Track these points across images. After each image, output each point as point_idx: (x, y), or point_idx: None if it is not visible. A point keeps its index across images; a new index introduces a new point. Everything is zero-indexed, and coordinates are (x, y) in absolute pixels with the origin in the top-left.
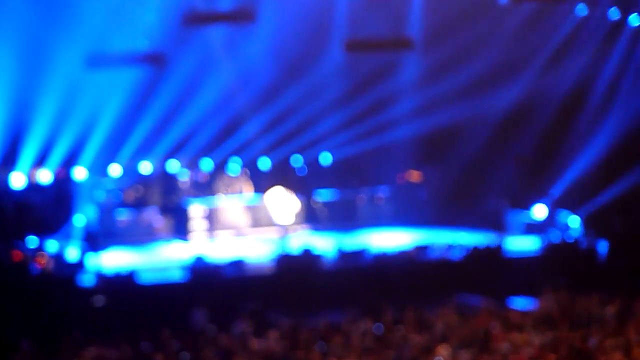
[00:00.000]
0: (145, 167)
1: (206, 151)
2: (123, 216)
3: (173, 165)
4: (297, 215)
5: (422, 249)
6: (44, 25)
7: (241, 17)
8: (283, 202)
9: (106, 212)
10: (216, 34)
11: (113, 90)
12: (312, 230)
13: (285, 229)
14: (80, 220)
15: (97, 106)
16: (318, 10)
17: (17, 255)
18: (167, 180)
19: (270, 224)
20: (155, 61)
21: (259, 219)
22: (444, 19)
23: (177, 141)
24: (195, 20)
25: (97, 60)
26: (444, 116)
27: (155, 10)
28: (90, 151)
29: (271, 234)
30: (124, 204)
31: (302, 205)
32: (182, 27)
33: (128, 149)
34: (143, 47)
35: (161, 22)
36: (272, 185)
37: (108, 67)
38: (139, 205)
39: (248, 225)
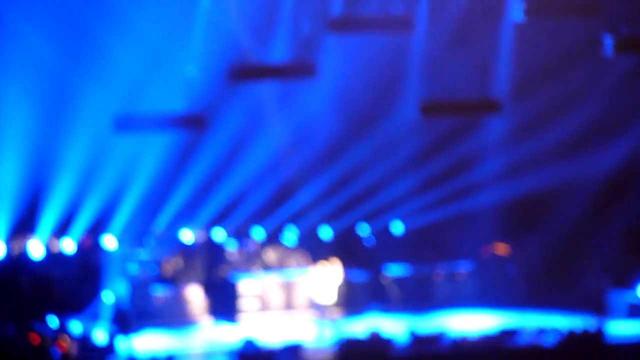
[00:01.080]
0: (186, 236)
1: (257, 218)
2: (159, 293)
3: (218, 234)
4: (339, 296)
5: (509, 334)
6: (70, 79)
7: (299, 71)
8: (327, 280)
9: (140, 288)
10: (266, 89)
11: (147, 152)
12: (380, 311)
13: (326, 311)
14: (109, 297)
15: (128, 168)
16: (388, 65)
17: (34, 338)
18: (211, 251)
19: (328, 303)
20: (195, 123)
21: (317, 298)
22: (534, 72)
23: (223, 207)
24: (243, 75)
25: (126, 123)
26: (535, 180)
27: (195, 65)
28: (122, 218)
29: (331, 314)
30: (160, 279)
31: (366, 282)
32: (226, 83)
33: (165, 216)
34: (181, 108)
35: (202, 78)
36: (333, 258)
37: (139, 130)
38: (178, 280)
39: (306, 305)
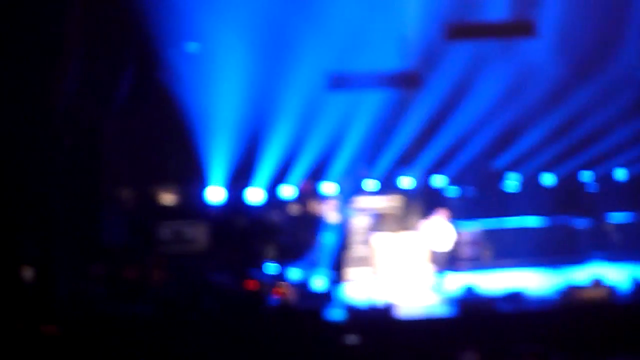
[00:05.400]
0: (405, 182)
1: (477, 166)
2: (375, 240)
3: (438, 181)
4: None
5: None
6: (291, 34)
7: (518, 30)
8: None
9: (356, 235)
10: (482, 45)
11: (363, 105)
12: (603, 259)
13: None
14: (328, 243)
15: (345, 119)
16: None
17: (251, 284)
18: (431, 197)
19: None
20: (410, 81)
21: (540, 246)
22: None
23: (442, 155)
24: (461, 34)
25: (341, 81)
26: None
27: (412, 25)
28: (340, 166)
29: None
30: (377, 226)
31: (589, 229)
32: (442, 41)
33: (384, 164)
34: (396, 67)
35: (418, 36)
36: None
37: (353, 88)
38: (396, 227)
39: (528, 253)
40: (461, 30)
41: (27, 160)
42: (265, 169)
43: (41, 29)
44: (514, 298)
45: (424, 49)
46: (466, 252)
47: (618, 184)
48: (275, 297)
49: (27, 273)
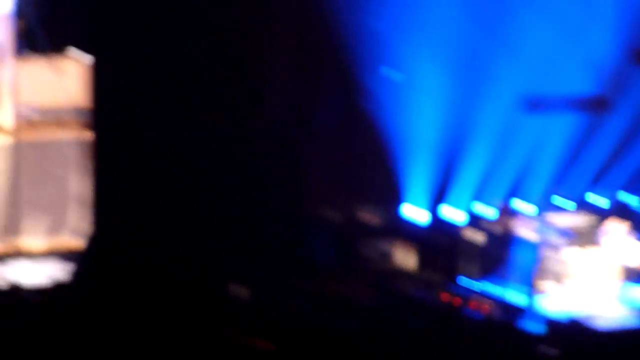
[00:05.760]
0: (597, 200)
1: None
2: (570, 257)
3: (628, 199)
4: None
5: None
6: (486, 55)
7: None
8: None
9: (552, 251)
10: None
11: (555, 128)
12: None
13: None
14: (524, 259)
15: (538, 141)
16: None
17: (450, 298)
18: (621, 213)
19: None
20: (600, 105)
21: None
22: None
23: (630, 174)
24: None
25: (535, 104)
26: None
27: (601, 48)
28: (535, 184)
29: None
30: (570, 242)
31: None
32: (632, 65)
33: (577, 182)
34: (586, 90)
35: (608, 61)
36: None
37: (547, 111)
38: (587, 242)
39: None
40: None
41: (236, 183)
42: (462, 189)
43: (248, 55)
44: None
45: (613, 73)
46: None
47: None
48: (474, 310)
49: (240, 290)
